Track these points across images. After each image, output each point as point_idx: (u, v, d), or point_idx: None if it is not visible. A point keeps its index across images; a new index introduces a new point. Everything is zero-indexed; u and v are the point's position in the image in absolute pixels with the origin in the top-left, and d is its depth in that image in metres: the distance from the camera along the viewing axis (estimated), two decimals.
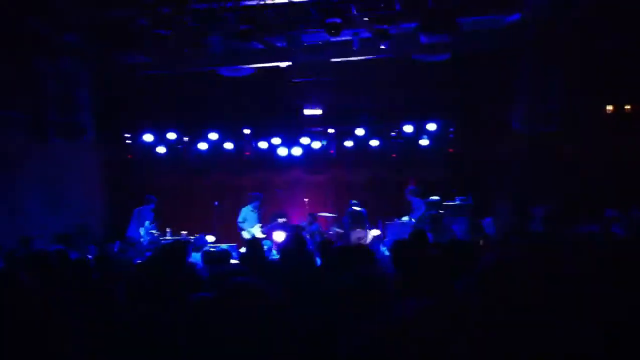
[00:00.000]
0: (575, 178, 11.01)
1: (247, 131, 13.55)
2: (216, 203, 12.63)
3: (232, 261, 6.48)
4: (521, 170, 11.99)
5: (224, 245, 10.00)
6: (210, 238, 11.35)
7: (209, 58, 11.40)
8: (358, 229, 11.42)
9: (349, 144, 13.49)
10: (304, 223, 11.99)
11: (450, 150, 13.31)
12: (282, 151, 13.54)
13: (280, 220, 11.80)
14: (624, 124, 11.29)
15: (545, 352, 1.99)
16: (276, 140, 13.47)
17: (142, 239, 11.50)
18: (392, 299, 2.71)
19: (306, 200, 12.36)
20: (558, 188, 11.14)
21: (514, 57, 11.14)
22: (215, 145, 13.67)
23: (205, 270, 5.57)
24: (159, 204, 12.07)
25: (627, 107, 11.52)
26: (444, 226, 11.06)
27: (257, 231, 11.70)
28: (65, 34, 10.57)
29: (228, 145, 13.63)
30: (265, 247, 9.74)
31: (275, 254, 10.19)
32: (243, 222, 11.84)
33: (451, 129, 13.15)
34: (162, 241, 11.11)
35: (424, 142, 13.18)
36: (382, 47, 10.31)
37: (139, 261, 7.87)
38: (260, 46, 11.17)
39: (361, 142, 13.42)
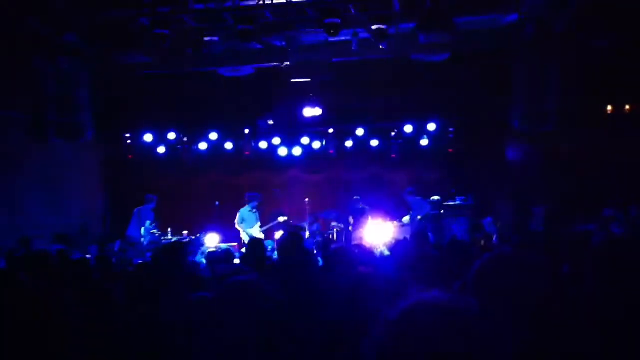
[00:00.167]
0: (574, 177, 11.03)
1: (246, 131, 13.55)
2: (217, 203, 12.64)
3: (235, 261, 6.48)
4: (520, 170, 12.00)
5: (223, 245, 10.01)
6: (213, 237, 11.35)
7: (209, 58, 11.41)
8: (360, 228, 11.44)
9: (348, 144, 13.49)
10: (304, 223, 12.00)
11: (450, 150, 13.31)
12: (282, 151, 13.55)
13: (281, 219, 11.77)
14: (621, 123, 11.30)
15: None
16: (276, 140, 13.48)
17: (142, 239, 11.50)
18: (392, 298, 2.72)
19: (306, 200, 12.36)
20: (557, 187, 11.16)
21: (512, 56, 11.16)
22: (215, 145, 13.69)
23: (208, 270, 5.57)
24: (159, 203, 12.08)
25: (626, 106, 11.53)
26: (444, 226, 11.08)
27: (256, 231, 11.65)
28: (65, 34, 10.57)
29: (228, 145, 13.64)
30: (270, 247, 9.75)
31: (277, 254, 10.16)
32: (241, 222, 11.80)
33: (451, 129, 13.15)
34: (163, 241, 11.12)
35: (424, 142, 13.19)
36: (381, 47, 10.32)
37: (139, 261, 7.89)
38: (260, 46, 11.18)
39: (361, 142, 13.44)
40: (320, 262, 5.90)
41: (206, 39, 10.59)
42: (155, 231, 11.63)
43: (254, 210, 11.91)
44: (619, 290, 2.30)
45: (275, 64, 11.63)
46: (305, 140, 13.43)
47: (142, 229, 11.62)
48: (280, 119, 13.30)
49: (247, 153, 13.75)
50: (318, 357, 2.95)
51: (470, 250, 5.65)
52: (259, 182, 13.37)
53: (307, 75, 11.47)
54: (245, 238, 11.45)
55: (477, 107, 12.37)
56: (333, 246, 6.00)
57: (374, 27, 9.91)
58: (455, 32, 9.84)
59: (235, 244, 11.41)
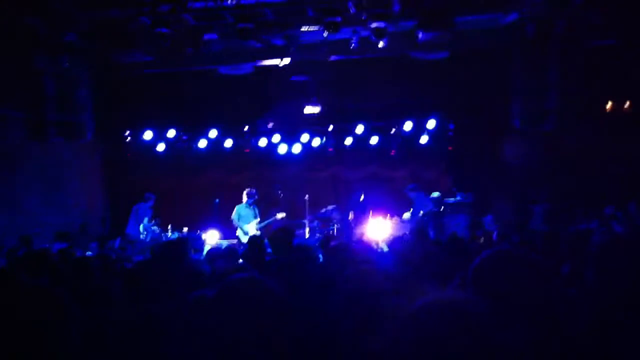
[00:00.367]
0: (574, 175, 11.04)
1: (246, 129, 13.57)
2: (217, 200, 12.64)
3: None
4: (520, 168, 12.01)
5: (224, 242, 10.02)
6: (213, 234, 11.35)
7: (208, 56, 11.41)
8: (361, 224, 11.46)
9: (348, 141, 13.49)
10: (304, 220, 12.00)
11: (450, 148, 13.31)
12: (282, 149, 13.56)
13: (279, 216, 11.73)
14: (622, 121, 11.31)
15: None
16: (276, 138, 13.49)
17: (141, 236, 11.50)
18: (392, 295, 2.73)
19: (306, 197, 12.36)
20: (557, 185, 11.17)
21: (512, 55, 11.16)
22: (215, 143, 13.70)
23: (209, 268, 5.57)
24: (159, 201, 12.09)
25: (625, 105, 11.54)
26: (444, 223, 11.09)
27: (251, 228, 11.53)
28: (66, 34, 10.58)
29: (227, 143, 13.65)
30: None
31: None
32: (238, 219, 11.71)
33: (450, 127, 13.14)
34: (164, 238, 11.13)
35: (424, 139, 13.19)
36: (381, 45, 10.33)
37: (139, 258, 7.89)
38: (259, 44, 11.18)
39: (360, 139, 13.44)
40: (320, 259, 5.91)
41: (206, 37, 10.60)
42: (155, 228, 11.65)
43: (252, 207, 11.83)
44: (619, 289, 2.30)
45: (274, 62, 11.64)
46: (304, 138, 13.44)
47: (141, 226, 11.64)
48: (279, 117, 13.31)
49: (246, 151, 13.76)
50: (318, 354, 2.96)
51: (470, 247, 5.68)
52: (259, 179, 13.37)
53: (306, 73, 11.48)
54: (240, 234, 11.43)
55: (477, 105, 12.37)
56: (333, 242, 6.01)
57: (373, 25, 9.92)
58: (455, 31, 9.86)
59: (235, 240, 11.39)
